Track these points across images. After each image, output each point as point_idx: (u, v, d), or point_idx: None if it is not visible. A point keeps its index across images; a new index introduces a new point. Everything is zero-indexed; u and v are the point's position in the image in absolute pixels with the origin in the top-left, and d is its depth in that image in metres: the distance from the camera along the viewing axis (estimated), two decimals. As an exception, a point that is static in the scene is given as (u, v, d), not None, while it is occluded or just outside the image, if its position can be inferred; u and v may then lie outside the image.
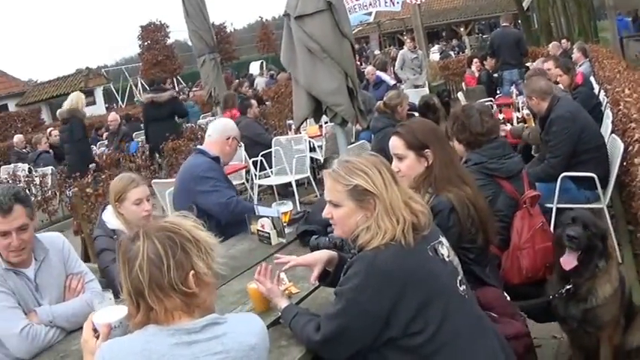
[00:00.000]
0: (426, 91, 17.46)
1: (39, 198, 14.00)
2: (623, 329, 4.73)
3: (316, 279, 3.87)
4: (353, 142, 11.01)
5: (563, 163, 7.21)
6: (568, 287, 4.53)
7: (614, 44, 22.90)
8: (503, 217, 4.86)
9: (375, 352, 3.20)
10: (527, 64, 16.08)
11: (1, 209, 3.93)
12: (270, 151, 12.10)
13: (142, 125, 21.83)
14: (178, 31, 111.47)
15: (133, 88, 53.99)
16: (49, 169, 15.33)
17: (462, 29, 53.43)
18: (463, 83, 18.80)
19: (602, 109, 9.81)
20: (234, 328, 2.63)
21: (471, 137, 5.16)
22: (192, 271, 2.57)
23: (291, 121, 13.52)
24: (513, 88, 14.11)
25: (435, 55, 33.38)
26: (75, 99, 13.46)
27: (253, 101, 13.71)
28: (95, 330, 2.93)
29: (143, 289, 2.54)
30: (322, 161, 12.07)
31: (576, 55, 14.53)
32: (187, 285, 2.56)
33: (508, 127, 9.67)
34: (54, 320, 4.09)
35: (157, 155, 14.84)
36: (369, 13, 30.04)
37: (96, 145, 20.23)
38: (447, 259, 3.32)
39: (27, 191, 13.12)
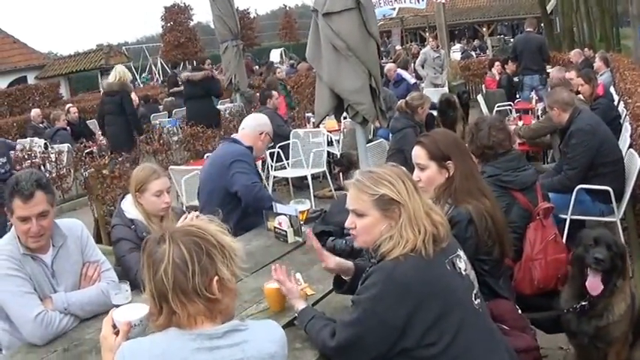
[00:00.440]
0: (445, 90, 17.40)
1: (53, 175, 13.95)
2: (629, 344, 4.78)
3: (328, 267, 3.95)
4: (370, 139, 11.00)
5: (580, 175, 7.23)
6: (583, 304, 4.56)
7: (636, 54, 22.78)
8: (517, 228, 4.90)
9: None
10: (548, 70, 16.06)
11: (23, 195, 3.96)
12: (288, 143, 12.08)
13: (160, 107, 21.98)
14: (201, 14, 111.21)
15: (153, 67, 53.96)
16: (65, 147, 15.30)
17: (484, 29, 53.25)
18: (483, 85, 18.75)
19: (621, 121, 9.80)
20: (255, 336, 2.65)
21: (478, 150, 5.28)
22: (216, 277, 2.58)
23: (309, 114, 13.55)
24: (533, 94, 14.12)
25: (456, 54, 33.20)
26: (122, 72, 13.57)
27: (274, 92, 13.73)
28: (114, 326, 2.95)
29: (167, 293, 2.56)
30: (339, 156, 12.07)
31: (598, 64, 14.50)
32: (211, 291, 2.57)
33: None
34: (69, 307, 4.11)
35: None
36: (393, 8, 29.98)
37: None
38: (463, 273, 3.36)
39: (42, 167, 13.28)
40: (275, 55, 48.90)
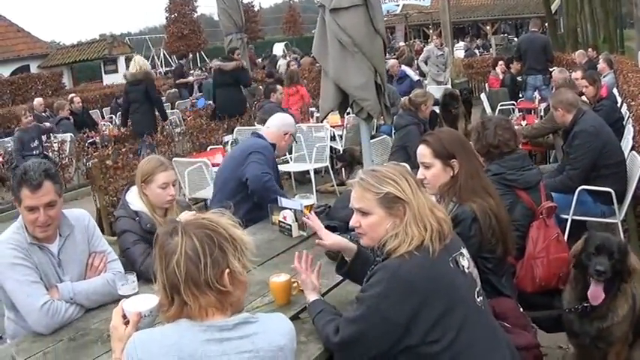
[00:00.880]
0: (448, 88, 17.43)
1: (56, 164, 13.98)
2: (629, 344, 4.82)
3: (322, 243, 4.04)
4: (373, 135, 11.02)
5: (582, 175, 7.27)
6: (585, 305, 4.59)
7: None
8: (520, 226, 4.94)
9: (392, 359, 3.29)
10: (551, 69, 16.07)
11: (31, 184, 3.99)
12: (291, 138, 12.01)
13: (162, 99, 22.00)
14: (204, 6, 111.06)
15: (155, 59, 53.90)
16: (67, 136, 15.34)
17: (487, 27, 53.21)
18: (486, 84, 18.77)
19: (624, 123, 9.83)
20: (265, 328, 2.69)
21: (484, 149, 5.33)
22: (227, 270, 2.61)
23: (313, 109, 13.57)
24: (536, 94, 14.15)
25: (459, 51, 33.22)
26: (142, 62, 14.10)
27: (278, 86, 13.76)
28: (124, 317, 2.98)
29: (179, 285, 2.59)
30: (341, 151, 12.09)
31: (601, 65, 14.51)
32: (222, 283, 2.61)
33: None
34: (74, 297, 4.13)
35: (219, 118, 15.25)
36: (397, 4, 30.05)
37: (115, 115, 20.30)
38: (466, 271, 3.40)
39: (45, 156, 13.33)
40: (278, 49, 48.81)
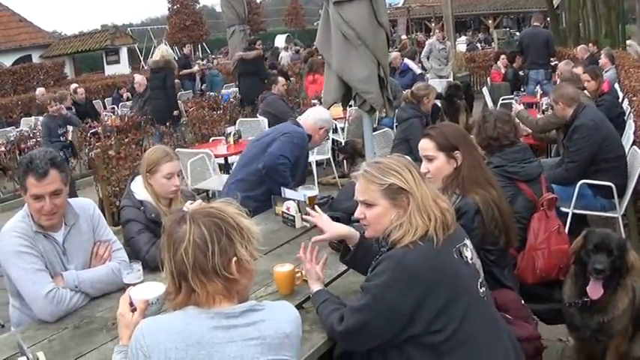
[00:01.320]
0: (450, 81, 17.44)
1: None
2: (628, 337, 4.86)
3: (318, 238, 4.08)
4: (375, 128, 11.04)
5: (580, 169, 7.32)
6: (586, 299, 4.62)
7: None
8: (521, 218, 4.99)
9: (396, 348, 3.32)
10: (553, 63, 16.08)
11: (37, 173, 3.99)
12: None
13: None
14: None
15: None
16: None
17: (490, 21, 53.15)
18: (488, 78, 18.78)
19: (625, 118, 9.85)
20: (271, 316, 2.71)
21: (484, 141, 5.42)
22: (234, 258, 2.64)
23: (315, 101, 13.58)
24: (538, 88, 14.16)
25: (461, 45, 33.20)
26: (165, 51, 14.84)
27: (280, 78, 13.78)
28: (131, 304, 3.01)
29: (187, 272, 2.62)
30: (343, 143, 12.11)
31: (603, 60, 14.49)
32: (230, 271, 2.63)
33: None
34: (79, 285, 4.17)
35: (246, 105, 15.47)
36: (400, -2, 30.06)
37: (117, 105, 20.30)
38: (470, 262, 3.43)
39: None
40: (280, 41, 48.68)
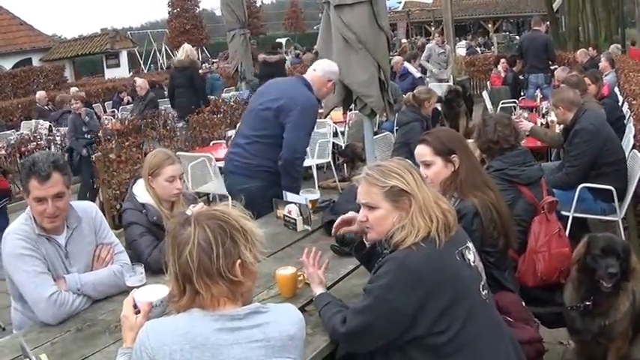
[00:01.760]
0: (450, 85, 17.45)
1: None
2: (629, 340, 4.87)
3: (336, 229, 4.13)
4: (375, 132, 11.04)
5: (580, 173, 7.32)
6: (588, 304, 4.63)
7: (640, 55, 22.80)
8: (521, 221, 5.01)
9: (398, 350, 3.33)
10: (552, 67, 16.09)
11: (40, 175, 3.99)
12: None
13: (165, 93, 22.03)
14: (207, 1, 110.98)
15: (157, 53, 53.85)
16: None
17: (489, 25, 53.21)
18: (488, 82, 18.79)
19: (625, 121, 9.87)
20: (276, 318, 2.73)
21: (484, 145, 5.47)
22: (239, 260, 2.66)
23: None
24: (538, 92, 14.19)
25: (461, 49, 33.23)
26: (189, 50, 14.95)
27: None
28: (135, 306, 3.03)
29: (191, 275, 2.62)
30: (343, 147, 12.12)
31: (604, 64, 14.50)
32: (234, 273, 2.64)
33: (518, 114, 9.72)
34: (82, 288, 4.16)
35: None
36: (400, 1, 30.09)
37: (117, 109, 20.30)
38: (472, 264, 3.45)
39: (48, 149, 13.39)
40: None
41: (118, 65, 41.58)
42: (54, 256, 4.21)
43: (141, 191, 5.15)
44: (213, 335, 2.59)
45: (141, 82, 16.90)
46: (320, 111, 12.97)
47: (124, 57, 42.52)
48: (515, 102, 14.63)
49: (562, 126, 8.61)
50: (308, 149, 11.23)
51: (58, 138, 14.76)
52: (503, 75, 17.43)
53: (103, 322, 3.97)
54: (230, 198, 6.72)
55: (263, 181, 6.36)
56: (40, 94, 19.95)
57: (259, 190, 6.32)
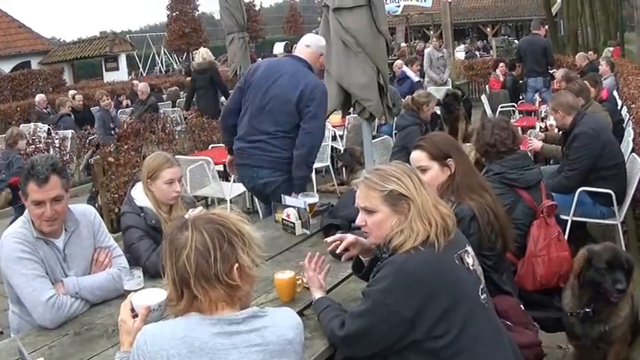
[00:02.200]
0: (449, 89, 17.45)
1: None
2: (628, 344, 4.87)
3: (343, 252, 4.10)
4: (374, 136, 11.05)
5: (579, 177, 7.31)
6: (587, 310, 4.63)
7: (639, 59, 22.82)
8: (521, 225, 5.03)
9: (397, 354, 3.32)
10: (551, 72, 16.10)
11: (38, 179, 3.99)
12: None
13: (163, 96, 22.06)
14: (205, 4, 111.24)
15: (156, 57, 53.85)
16: (69, 133, 15.31)
17: (488, 29, 53.24)
18: (487, 86, 18.80)
19: (624, 125, 9.88)
20: (274, 322, 2.72)
21: (482, 148, 5.52)
22: (236, 264, 2.65)
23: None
24: (537, 96, 14.19)
25: (460, 53, 33.24)
26: (207, 53, 15.79)
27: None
28: (133, 310, 3.01)
29: (189, 279, 2.62)
30: (342, 151, 12.11)
31: (603, 67, 14.52)
32: (232, 277, 2.64)
33: (527, 134, 9.67)
34: (80, 292, 4.15)
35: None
36: (398, 5, 30.06)
37: (116, 112, 20.33)
38: (471, 268, 3.44)
39: (46, 153, 13.38)
40: (279, 48, 48.59)
41: (116, 68, 41.60)
42: (52, 260, 4.20)
43: (139, 195, 5.13)
44: (211, 339, 2.58)
45: (142, 87, 16.98)
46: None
47: (122, 60, 42.52)
48: (514, 106, 14.67)
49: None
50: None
51: (57, 141, 14.68)
52: (502, 79, 17.46)
53: (100, 326, 3.95)
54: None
55: (289, 173, 6.49)
56: (40, 97, 19.97)
57: (286, 181, 6.49)
